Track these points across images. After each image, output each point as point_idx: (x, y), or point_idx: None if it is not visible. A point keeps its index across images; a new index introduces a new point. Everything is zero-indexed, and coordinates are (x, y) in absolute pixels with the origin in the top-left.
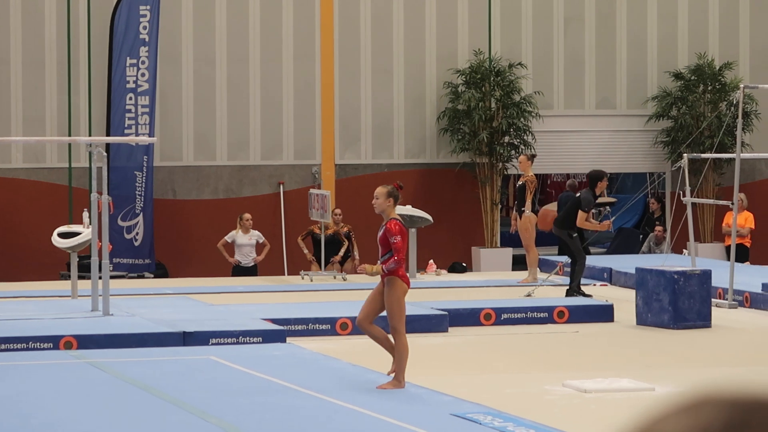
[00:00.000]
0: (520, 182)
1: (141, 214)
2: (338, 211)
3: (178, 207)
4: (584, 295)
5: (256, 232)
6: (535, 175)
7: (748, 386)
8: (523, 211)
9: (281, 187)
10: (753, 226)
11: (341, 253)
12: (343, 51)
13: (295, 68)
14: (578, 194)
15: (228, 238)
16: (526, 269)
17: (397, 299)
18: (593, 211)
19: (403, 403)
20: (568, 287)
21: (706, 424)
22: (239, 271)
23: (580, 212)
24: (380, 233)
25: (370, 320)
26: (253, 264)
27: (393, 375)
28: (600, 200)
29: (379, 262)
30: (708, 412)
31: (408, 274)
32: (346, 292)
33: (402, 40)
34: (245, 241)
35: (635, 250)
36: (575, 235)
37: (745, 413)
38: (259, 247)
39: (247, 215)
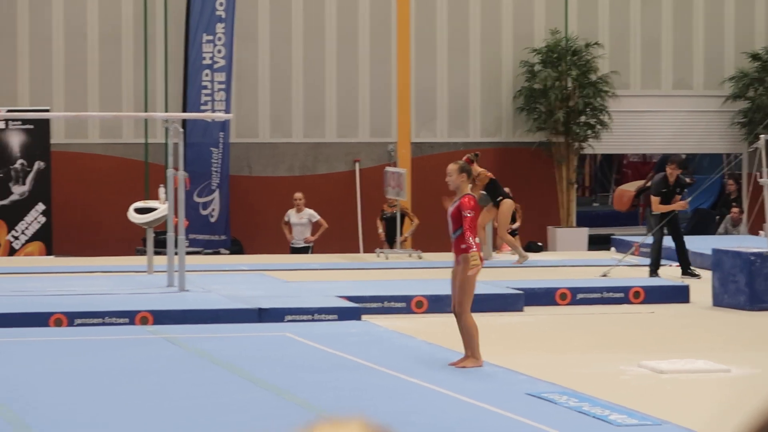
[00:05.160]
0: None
1: (217, 190)
2: (299, 195)
3: (254, 184)
4: (692, 275)
5: (309, 211)
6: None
7: None
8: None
9: (357, 164)
10: None
11: (407, 232)
12: (420, 29)
13: (372, 46)
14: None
15: (286, 217)
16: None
17: (469, 277)
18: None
19: (478, 381)
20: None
21: None
22: (293, 251)
23: (652, 197)
24: (452, 208)
25: None
26: (304, 245)
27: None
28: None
29: (452, 238)
30: None
31: (483, 253)
32: (421, 270)
33: (478, 19)
34: (297, 220)
35: (711, 231)
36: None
37: None
38: (314, 227)
39: (298, 194)
